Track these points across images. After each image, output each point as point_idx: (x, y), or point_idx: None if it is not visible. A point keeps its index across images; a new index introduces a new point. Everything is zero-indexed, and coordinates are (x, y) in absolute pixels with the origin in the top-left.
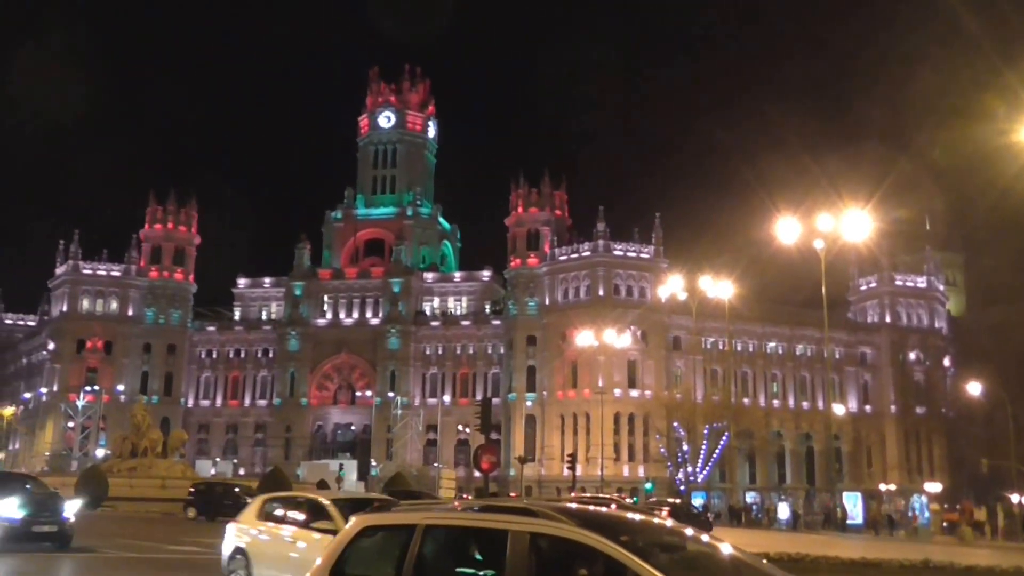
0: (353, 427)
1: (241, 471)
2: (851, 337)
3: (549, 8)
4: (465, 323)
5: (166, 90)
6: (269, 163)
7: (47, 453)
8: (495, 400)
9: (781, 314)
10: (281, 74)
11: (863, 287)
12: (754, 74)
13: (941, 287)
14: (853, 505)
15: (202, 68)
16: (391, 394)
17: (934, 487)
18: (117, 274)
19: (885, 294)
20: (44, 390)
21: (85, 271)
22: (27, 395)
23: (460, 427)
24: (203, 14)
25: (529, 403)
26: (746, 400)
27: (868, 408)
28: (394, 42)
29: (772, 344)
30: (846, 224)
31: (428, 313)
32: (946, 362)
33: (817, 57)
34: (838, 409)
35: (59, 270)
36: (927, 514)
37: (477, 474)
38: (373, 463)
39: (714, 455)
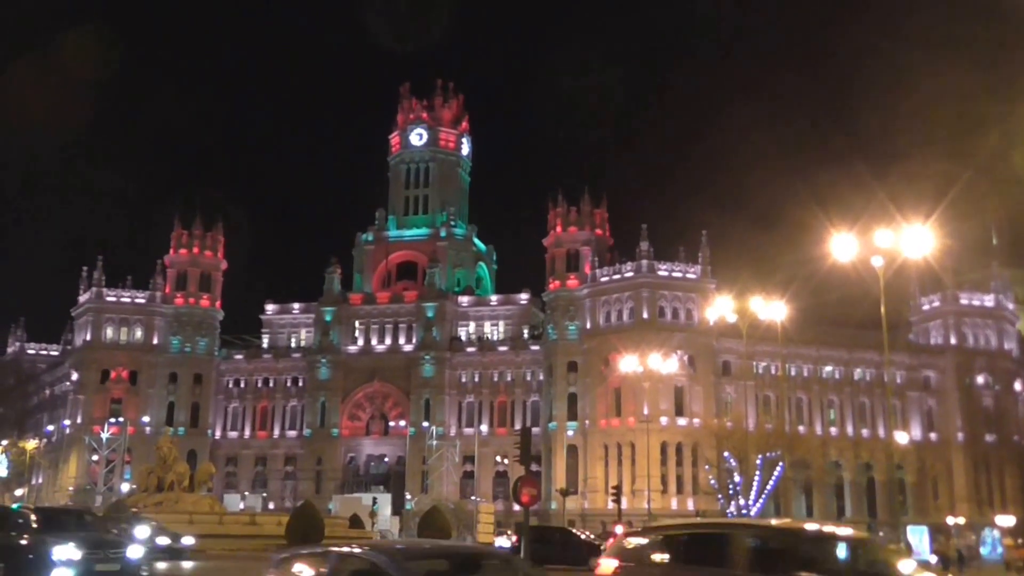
0: (386, 459)
1: (271, 505)
2: (913, 360)
3: (578, 28)
4: (502, 349)
5: (191, 111)
6: (297, 185)
7: (71, 488)
8: (535, 429)
9: (838, 336)
10: (309, 92)
11: (925, 307)
12: (806, 82)
13: (1011, 306)
14: (919, 540)
15: (227, 88)
16: (426, 424)
17: (1007, 520)
18: (142, 301)
19: (949, 314)
20: (67, 422)
21: (109, 299)
22: (50, 427)
23: (498, 458)
24: (229, 33)
25: (570, 432)
26: (801, 428)
27: (933, 436)
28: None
29: (828, 368)
30: (906, 240)
31: (463, 339)
32: (1017, 386)
33: (874, 62)
34: (901, 437)
35: (82, 298)
36: (998, 549)
37: (517, 508)
38: (408, 496)
39: (768, 487)
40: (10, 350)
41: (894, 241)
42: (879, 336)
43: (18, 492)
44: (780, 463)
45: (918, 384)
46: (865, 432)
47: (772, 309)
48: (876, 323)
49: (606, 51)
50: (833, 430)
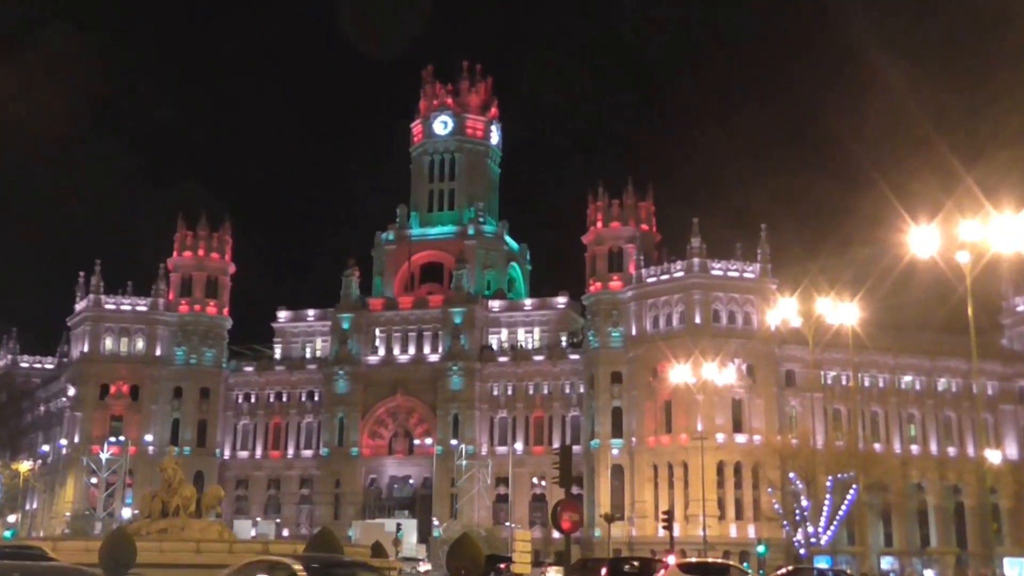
0: (411, 480)
1: (285, 532)
2: (1007, 368)
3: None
4: (538, 358)
5: (196, 103)
6: (311, 180)
7: (68, 514)
8: (575, 448)
9: (918, 342)
10: (322, 79)
11: (1020, 307)
12: (881, 58)
13: None
14: (1018, 573)
15: (233, 77)
16: (454, 442)
17: None
18: (143, 309)
19: None
20: (64, 442)
21: (108, 306)
22: (45, 448)
23: (535, 480)
24: (235, 22)
25: (615, 451)
26: (877, 446)
27: None
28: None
29: (908, 378)
30: (997, 232)
31: (495, 347)
32: None
33: (960, 37)
34: (993, 456)
35: (79, 306)
36: None
37: (557, 535)
38: (435, 522)
39: (840, 512)
40: (1, 363)
41: (983, 233)
42: (966, 341)
43: (11, 518)
44: (854, 486)
45: (1013, 395)
46: (952, 450)
47: (842, 312)
48: (963, 327)
49: (649, 32)
50: (914, 448)
